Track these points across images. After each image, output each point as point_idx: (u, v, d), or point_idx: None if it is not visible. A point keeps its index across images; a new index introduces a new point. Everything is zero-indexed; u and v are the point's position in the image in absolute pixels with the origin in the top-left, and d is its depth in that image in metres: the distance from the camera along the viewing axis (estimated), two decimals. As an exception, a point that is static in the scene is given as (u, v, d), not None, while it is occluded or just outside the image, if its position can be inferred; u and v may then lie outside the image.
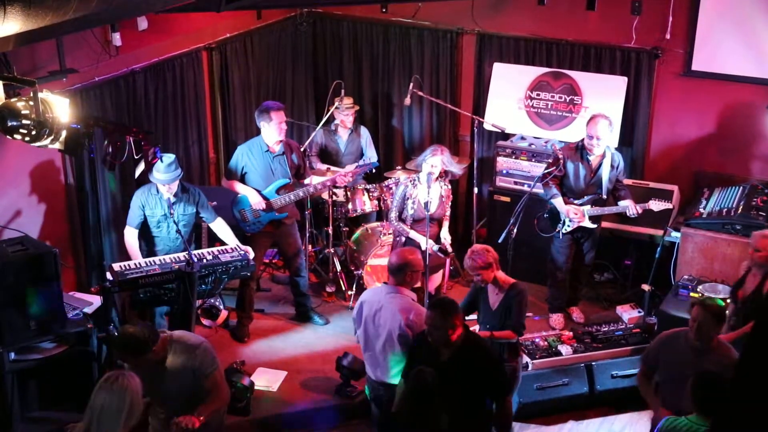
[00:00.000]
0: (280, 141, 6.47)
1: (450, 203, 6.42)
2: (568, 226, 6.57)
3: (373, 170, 7.44)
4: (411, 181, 6.26)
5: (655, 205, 6.38)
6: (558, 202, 6.50)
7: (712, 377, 4.04)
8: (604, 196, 6.52)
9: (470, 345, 4.51)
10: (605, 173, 6.46)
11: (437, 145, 6.30)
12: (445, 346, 4.45)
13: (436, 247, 6.23)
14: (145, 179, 5.97)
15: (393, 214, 6.30)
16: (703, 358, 4.49)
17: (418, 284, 5.51)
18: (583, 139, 6.47)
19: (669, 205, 6.42)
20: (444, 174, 6.25)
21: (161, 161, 5.54)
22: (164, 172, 5.82)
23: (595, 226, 6.59)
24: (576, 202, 6.51)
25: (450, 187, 6.43)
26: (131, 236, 6.01)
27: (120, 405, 3.70)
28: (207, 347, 4.50)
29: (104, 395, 3.72)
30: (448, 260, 6.74)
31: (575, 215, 6.46)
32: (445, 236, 6.35)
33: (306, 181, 6.73)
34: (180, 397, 4.41)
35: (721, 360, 4.45)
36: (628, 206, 6.40)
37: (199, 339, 4.57)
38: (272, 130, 6.40)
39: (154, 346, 4.28)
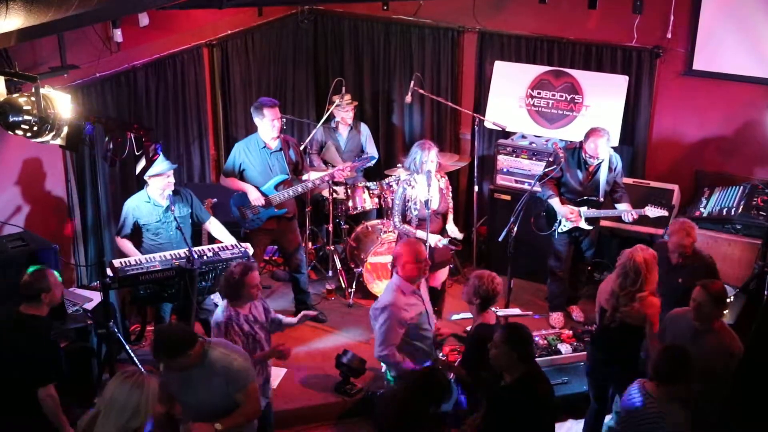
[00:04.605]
0: (276, 137, 6.46)
1: (450, 194, 6.40)
2: (564, 225, 6.56)
3: (371, 164, 7.43)
4: (407, 183, 6.19)
5: (652, 212, 6.27)
6: (555, 202, 6.49)
7: (680, 352, 4.16)
8: (601, 199, 6.49)
9: (532, 376, 4.32)
10: (603, 175, 6.42)
11: (422, 141, 6.20)
12: (506, 371, 4.30)
13: (445, 240, 6.22)
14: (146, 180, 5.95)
15: (396, 219, 6.24)
16: (700, 340, 4.51)
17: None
18: (581, 143, 6.43)
19: (665, 213, 6.29)
20: (439, 165, 6.24)
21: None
22: (161, 162, 5.72)
23: (591, 227, 6.58)
24: (573, 208, 6.49)
25: (447, 178, 6.42)
26: (123, 243, 5.91)
27: (127, 401, 3.57)
28: (246, 357, 4.39)
29: (114, 387, 3.62)
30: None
31: (571, 216, 6.45)
32: (452, 229, 6.36)
33: (304, 177, 6.73)
34: (209, 405, 4.26)
35: (718, 344, 4.47)
36: (624, 211, 6.37)
37: (236, 348, 4.47)
38: (266, 126, 6.39)
39: (191, 350, 4.14)
